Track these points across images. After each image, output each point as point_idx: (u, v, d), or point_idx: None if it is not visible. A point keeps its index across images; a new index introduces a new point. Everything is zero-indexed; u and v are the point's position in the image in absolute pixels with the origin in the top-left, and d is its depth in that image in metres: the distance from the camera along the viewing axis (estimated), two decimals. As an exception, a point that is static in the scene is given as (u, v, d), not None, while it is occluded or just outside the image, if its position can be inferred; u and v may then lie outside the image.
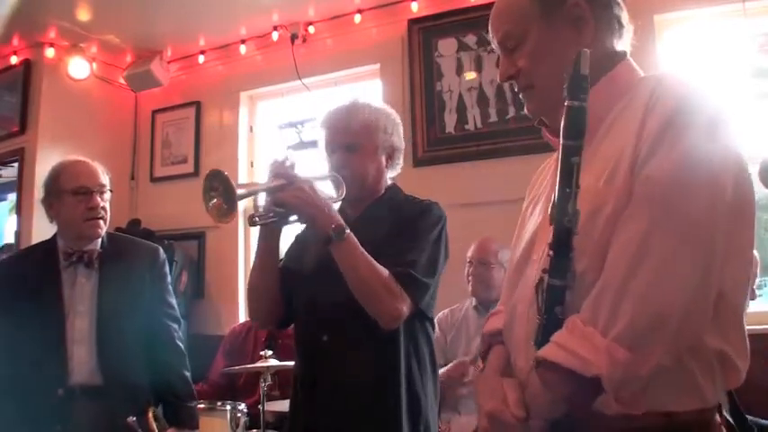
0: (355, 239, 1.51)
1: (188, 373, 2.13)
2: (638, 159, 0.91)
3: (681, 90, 0.95)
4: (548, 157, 1.27)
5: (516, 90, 1.13)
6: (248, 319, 3.64)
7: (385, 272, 1.51)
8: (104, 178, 2.11)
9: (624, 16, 1.10)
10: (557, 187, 0.91)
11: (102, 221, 2.06)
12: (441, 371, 2.59)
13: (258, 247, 1.67)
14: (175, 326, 2.16)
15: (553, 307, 0.91)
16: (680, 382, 0.89)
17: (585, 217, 0.91)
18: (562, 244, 0.90)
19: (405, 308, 1.52)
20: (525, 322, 1.02)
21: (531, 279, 1.01)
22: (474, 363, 2.60)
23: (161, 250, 2.23)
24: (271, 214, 1.54)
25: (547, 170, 1.23)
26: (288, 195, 1.49)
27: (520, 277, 1.09)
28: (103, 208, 2.07)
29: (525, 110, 1.14)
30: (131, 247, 2.19)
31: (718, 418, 0.93)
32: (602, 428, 0.91)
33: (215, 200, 1.42)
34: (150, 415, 1.93)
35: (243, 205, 4.04)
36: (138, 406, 1.99)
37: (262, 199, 1.61)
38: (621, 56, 1.08)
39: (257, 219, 1.55)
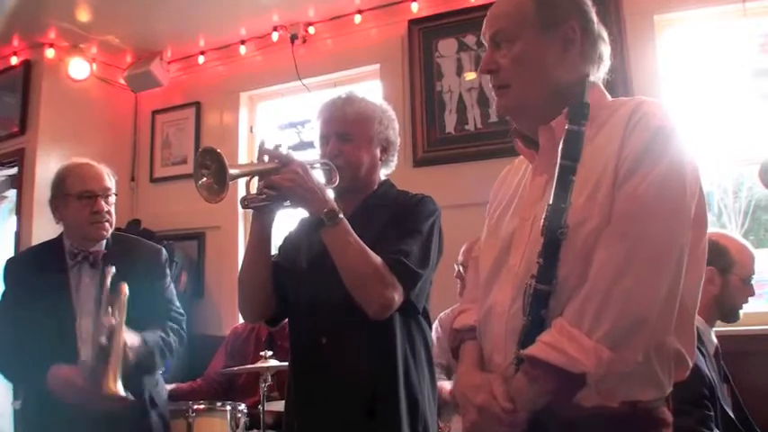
0: (347, 225, 1.49)
1: (174, 341, 2.10)
2: (619, 178, 1.04)
3: (658, 117, 1.07)
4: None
5: (491, 85, 1.21)
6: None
7: (377, 259, 1.48)
8: (110, 181, 2.13)
9: (607, 53, 1.21)
10: (551, 201, 1.02)
11: (107, 224, 2.08)
12: (445, 385, 2.59)
13: (250, 238, 1.64)
14: (176, 326, 2.16)
15: (538, 310, 1.02)
16: (646, 377, 1.03)
17: (570, 229, 1.02)
18: (551, 253, 1.01)
19: (396, 296, 1.49)
20: (504, 322, 1.11)
21: (510, 282, 1.12)
22: None
23: (164, 251, 2.25)
24: (263, 196, 1.51)
25: (512, 175, 1.33)
26: (281, 178, 1.47)
27: (495, 279, 1.18)
28: (108, 212, 2.09)
29: (495, 106, 1.23)
30: (135, 248, 2.21)
31: (665, 402, 1.08)
32: (578, 417, 1.02)
33: (205, 178, 1.40)
34: (123, 296, 1.91)
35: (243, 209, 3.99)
36: (139, 404, 2.00)
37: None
38: (592, 82, 1.17)
39: (249, 201, 1.52)
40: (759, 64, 2.87)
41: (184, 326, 2.20)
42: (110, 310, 1.87)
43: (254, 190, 1.54)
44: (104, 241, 2.11)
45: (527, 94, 1.15)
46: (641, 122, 1.06)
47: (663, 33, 3.03)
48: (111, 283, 2.03)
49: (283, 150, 1.54)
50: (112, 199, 2.12)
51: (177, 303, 2.22)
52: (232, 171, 1.39)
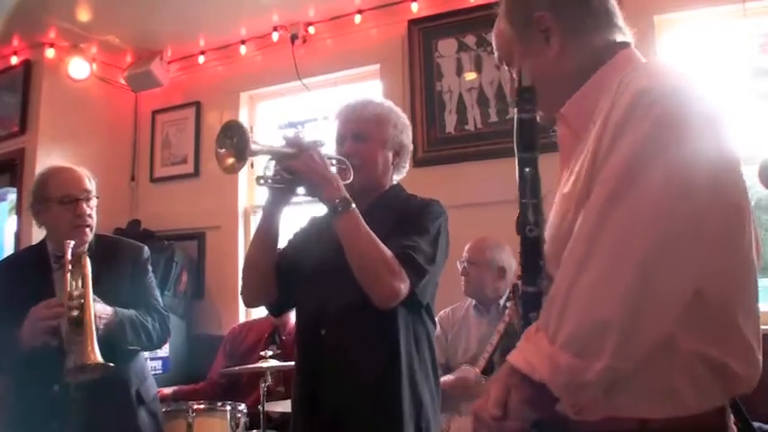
0: (359, 214, 1.52)
1: (152, 325, 2.10)
2: (597, 162, 0.90)
3: (644, 78, 0.90)
4: (547, 157, 1.30)
5: None
6: (248, 318, 3.66)
7: (387, 250, 1.52)
8: (90, 185, 2.14)
9: (610, 8, 1.09)
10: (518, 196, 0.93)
11: (88, 229, 2.09)
12: (444, 378, 2.59)
13: (260, 222, 1.68)
14: (157, 317, 2.15)
15: (528, 313, 0.93)
16: (651, 388, 0.88)
17: (557, 222, 0.94)
18: (528, 252, 0.93)
19: (403, 287, 1.52)
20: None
21: None
22: (474, 362, 2.60)
23: (145, 248, 2.26)
24: (278, 177, 1.55)
25: None
26: (298, 163, 1.51)
27: None
28: (90, 215, 2.10)
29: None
30: (116, 248, 2.23)
31: (716, 424, 0.90)
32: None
33: (226, 149, 1.44)
34: (86, 268, 1.95)
35: (243, 207, 4.01)
36: (126, 400, 2.05)
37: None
38: (609, 53, 1.06)
39: (265, 180, 1.56)
40: (759, 64, 2.87)
41: (168, 321, 2.20)
42: (74, 284, 1.92)
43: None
44: (87, 243, 2.12)
45: (543, 98, 1.05)
46: (623, 90, 0.89)
47: (663, 33, 3.04)
48: (93, 284, 2.04)
49: (303, 138, 1.58)
50: (93, 202, 2.13)
51: (160, 299, 2.24)
52: (254, 146, 1.43)
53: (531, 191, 0.92)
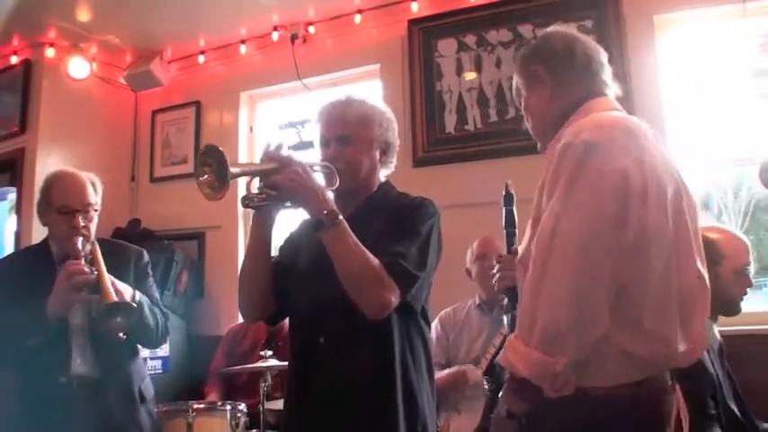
0: (347, 226, 1.50)
1: (159, 319, 2.16)
2: (542, 202, 1.23)
3: (564, 137, 1.23)
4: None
5: None
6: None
7: (375, 261, 1.49)
8: (92, 195, 2.15)
9: (595, 63, 1.39)
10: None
11: (83, 238, 2.10)
12: (441, 373, 2.59)
13: (250, 238, 1.66)
14: (159, 312, 2.20)
15: (513, 307, 1.33)
16: (593, 368, 1.18)
17: (525, 244, 1.29)
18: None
19: (393, 298, 1.50)
20: None
21: None
22: (476, 363, 2.59)
23: (145, 252, 2.31)
24: (263, 195, 1.53)
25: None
26: (282, 178, 1.48)
27: None
28: (86, 227, 2.10)
29: None
30: (118, 251, 2.26)
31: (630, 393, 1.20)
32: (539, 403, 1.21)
33: (207, 175, 1.42)
34: (96, 247, 2.04)
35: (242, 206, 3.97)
36: (129, 398, 2.09)
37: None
38: (579, 103, 1.36)
39: (249, 200, 1.54)
40: (759, 64, 2.87)
41: (168, 321, 2.24)
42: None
43: (255, 191, 1.56)
44: (89, 245, 2.13)
45: (535, 131, 1.47)
46: (555, 150, 1.24)
47: (663, 33, 3.03)
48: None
49: (285, 151, 1.55)
50: (93, 214, 2.15)
51: (161, 303, 2.27)
52: (233, 170, 1.40)
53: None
